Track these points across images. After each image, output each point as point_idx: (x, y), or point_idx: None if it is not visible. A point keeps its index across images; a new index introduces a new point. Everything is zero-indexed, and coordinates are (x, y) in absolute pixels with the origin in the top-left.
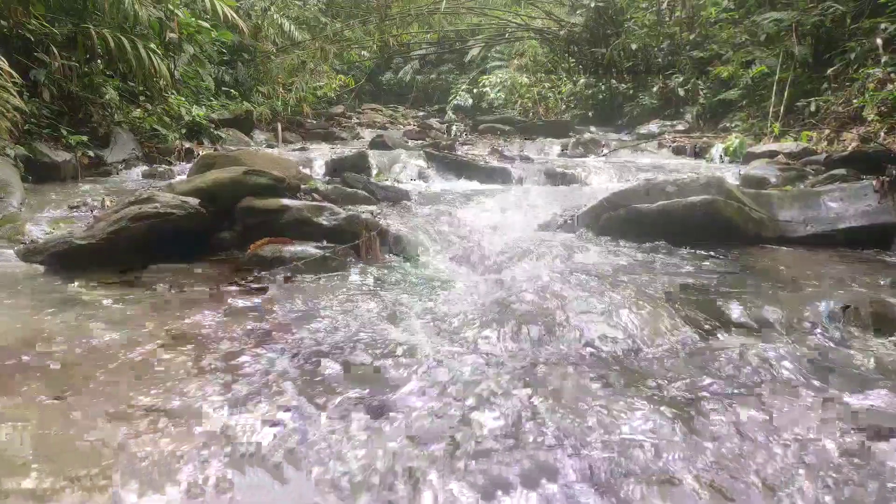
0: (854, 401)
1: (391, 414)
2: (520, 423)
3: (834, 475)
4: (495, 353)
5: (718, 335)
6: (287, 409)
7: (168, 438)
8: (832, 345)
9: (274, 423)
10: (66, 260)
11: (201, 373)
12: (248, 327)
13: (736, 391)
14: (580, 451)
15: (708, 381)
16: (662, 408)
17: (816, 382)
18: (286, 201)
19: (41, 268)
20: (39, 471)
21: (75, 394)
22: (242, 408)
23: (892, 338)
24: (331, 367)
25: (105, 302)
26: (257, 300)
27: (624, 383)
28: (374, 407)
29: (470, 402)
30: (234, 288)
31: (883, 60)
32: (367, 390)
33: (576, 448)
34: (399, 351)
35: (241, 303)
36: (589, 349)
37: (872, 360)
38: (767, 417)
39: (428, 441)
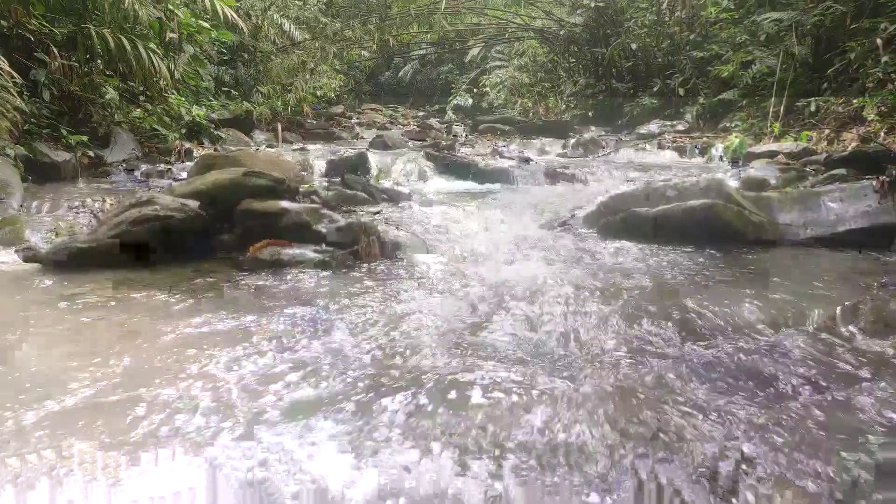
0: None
1: None
2: None
3: None
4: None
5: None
6: None
7: None
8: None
9: None
10: (68, 264)
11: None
12: (245, 324)
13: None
14: None
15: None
16: None
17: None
18: (285, 204)
19: (43, 270)
20: None
21: None
22: None
23: (890, 339)
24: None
25: (107, 303)
26: (256, 298)
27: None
28: None
29: None
30: (233, 289)
31: (883, 60)
32: None
33: None
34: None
35: (239, 300)
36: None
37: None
38: None
39: None
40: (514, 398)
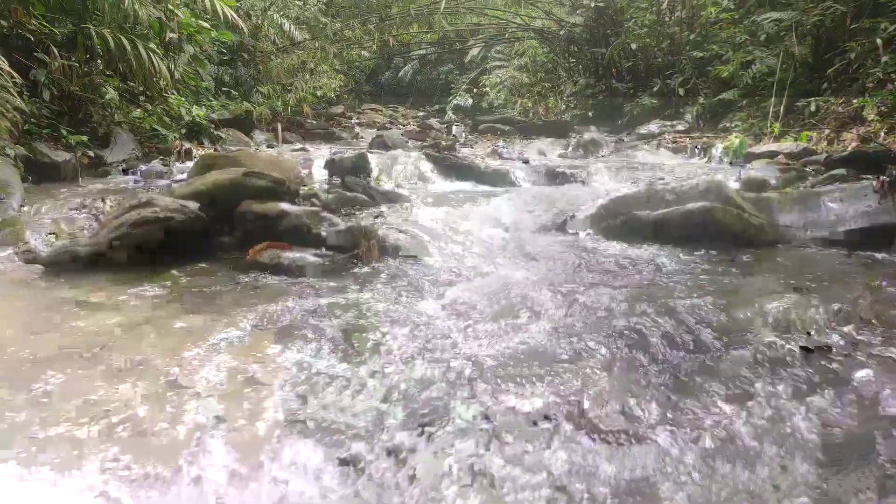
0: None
1: None
2: None
3: None
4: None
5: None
6: None
7: None
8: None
9: None
10: (68, 267)
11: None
12: (245, 327)
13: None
14: None
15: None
16: None
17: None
18: (285, 206)
19: (44, 272)
20: None
21: None
22: None
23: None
24: None
25: (108, 306)
26: (255, 302)
27: None
28: None
29: None
30: (233, 292)
31: (883, 60)
32: None
33: None
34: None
35: (238, 304)
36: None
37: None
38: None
39: None
40: None
